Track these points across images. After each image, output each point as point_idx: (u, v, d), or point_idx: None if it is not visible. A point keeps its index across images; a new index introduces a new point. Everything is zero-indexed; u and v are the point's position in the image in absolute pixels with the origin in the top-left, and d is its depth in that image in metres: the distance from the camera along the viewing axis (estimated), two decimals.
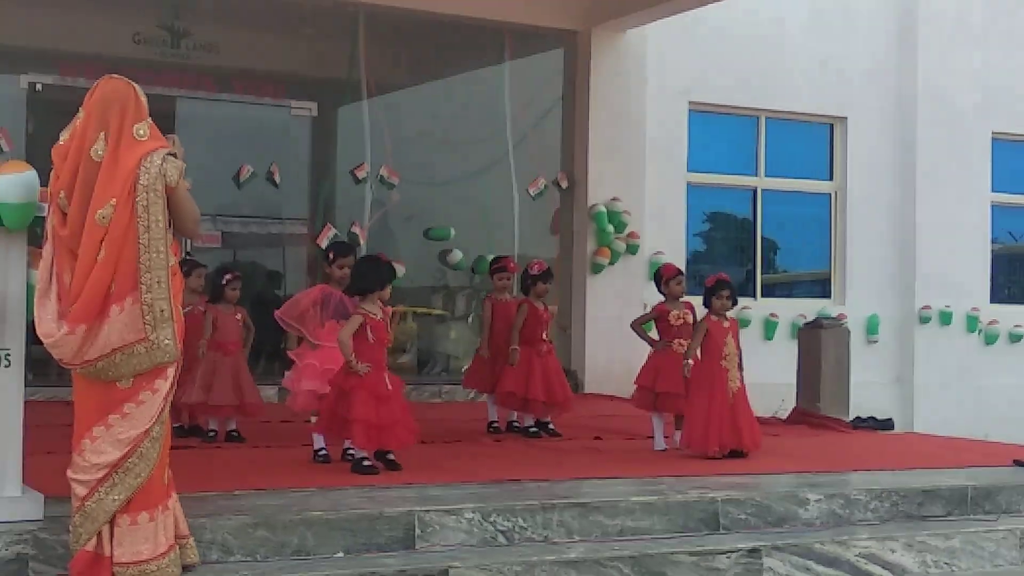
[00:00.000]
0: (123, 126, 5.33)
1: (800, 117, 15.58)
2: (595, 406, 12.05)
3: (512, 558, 6.16)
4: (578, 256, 14.01)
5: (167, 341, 5.31)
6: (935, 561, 7.14)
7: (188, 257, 9.82)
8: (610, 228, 13.85)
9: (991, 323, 16.31)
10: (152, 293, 5.28)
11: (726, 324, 8.80)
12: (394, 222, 14.62)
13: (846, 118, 15.71)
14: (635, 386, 9.42)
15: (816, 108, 15.54)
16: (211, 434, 8.99)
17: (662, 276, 9.49)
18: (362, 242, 13.25)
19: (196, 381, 8.81)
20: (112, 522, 5.29)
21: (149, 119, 5.42)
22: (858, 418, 11.72)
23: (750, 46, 14.83)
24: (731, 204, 15.76)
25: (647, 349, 9.45)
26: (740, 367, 8.79)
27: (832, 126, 15.84)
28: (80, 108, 5.41)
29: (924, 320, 15.80)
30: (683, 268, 10.49)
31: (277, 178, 13.61)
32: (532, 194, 14.20)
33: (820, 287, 15.99)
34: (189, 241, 10.66)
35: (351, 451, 7.63)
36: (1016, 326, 16.53)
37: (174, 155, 5.43)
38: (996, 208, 16.67)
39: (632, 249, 14.01)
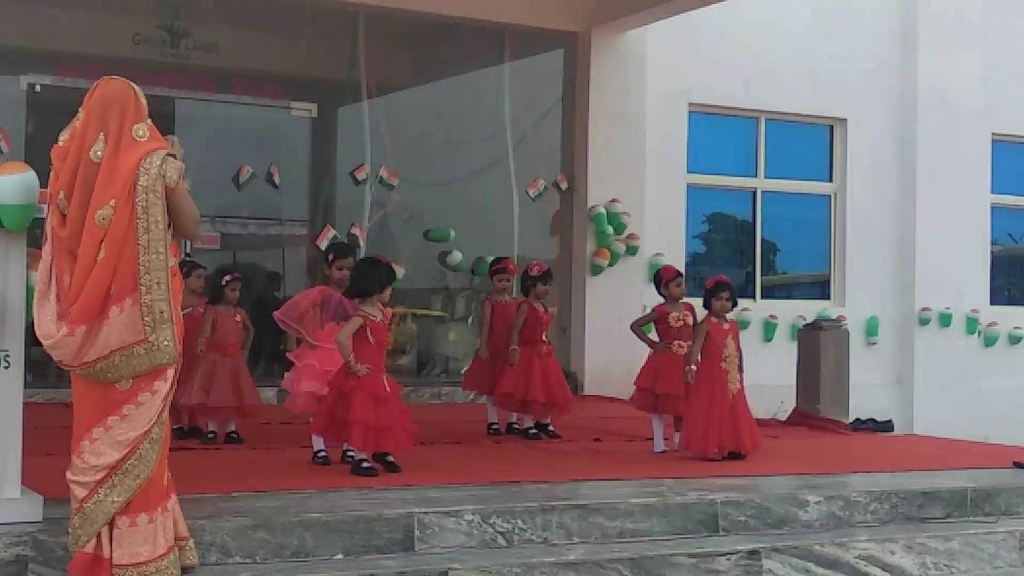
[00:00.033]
0: (123, 127, 5.33)
1: (800, 118, 15.58)
2: (595, 408, 12.05)
3: (512, 560, 6.16)
4: (578, 257, 14.01)
5: (167, 342, 5.31)
6: (935, 563, 7.14)
7: (187, 258, 9.81)
8: (610, 229, 13.85)
9: (991, 325, 16.31)
10: (152, 294, 5.27)
11: (726, 326, 8.80)
12: (394, 223, 14.63)
13: (846, 119, 15.70)
14: (635, 387, 9.42)
15: (816, 109, 15.54)
16: (210, 436, 8.99)
17: (662, 278, 9.48)
18: (362, 243, 13.25)
19: (195, 382, 8.80)
20: (111, 524, 5.28)
21: (149, 120, 5.42)
22: (858, 420, 11.71)
23: (750, 47, 14.83)
24: (731, 205, 15.76)
25: (647, 351, 9.44)
26: (740, 369, 8.79)
27: (832, 127, 15.84)
28: (80, 109, 5.41)
29: (924, 322, 15.80)
30: (683, 270, 10.49)
31: (277, 179, 13.60)
32: (532, 195, 14.19)
33: (820, 289, 15.99)
34: (188, 242, 10.66)
35: (350, 453, 7.63)
36: (1016, 328, 16.53)
37: (173, 156, 5.42)
38: (996, 209, 16.67)
39: (632, 250, 14.01)
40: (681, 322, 9.20)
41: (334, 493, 6.84)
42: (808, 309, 14.86)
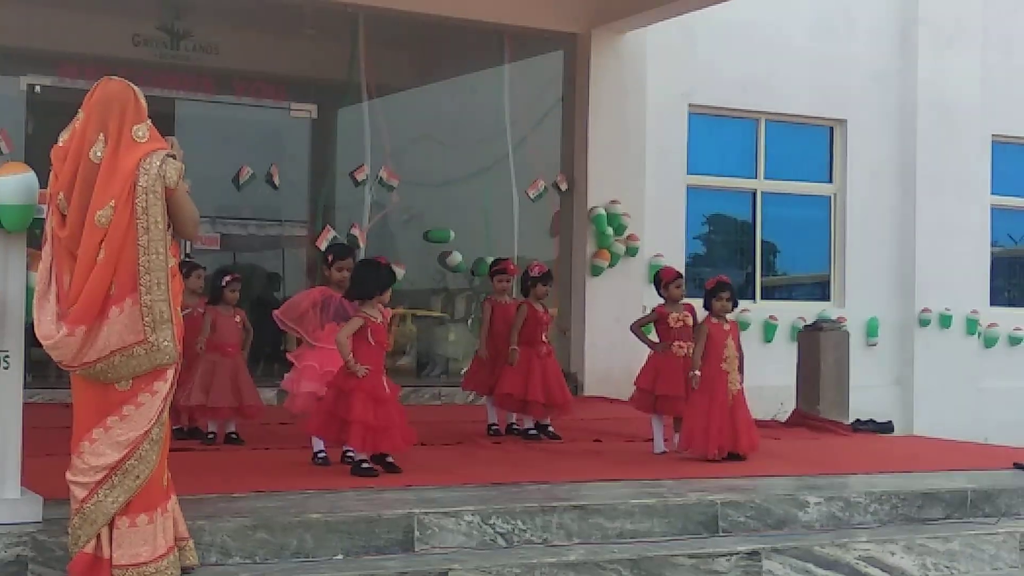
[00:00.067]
0: (122, 128, 5.33)
1: (800, 120, 15.58)
2: (595, 408, 12.05)
3: (511, 560, 6.16)
4: (578, 258, 14.01)
5: (166, 343, 5.30)
6: (935, 564, 7.14)
7: (187, 259, 9.81)
8: (610, 230, 13.85)
9: (991, 326, 16.31)
10: (152, 295, 5.27)
11: (726, 326, 8.80)
12: (394, 224, 14.64)
13: (846, 121, 15.71)
14: (635, 388, 9.42)
15: (816, 111, 15.54)
16: (210, 436, 8.99)
17: (661, 280, 9.48)
18: (362, 244, 13.25)
19: (195, 383, 8.80)
20: (111, 524, 5.28)
21: (148, 121, 5.42)
22: (858, 421, 11.71)
23: (750, 49, 14.83)
24: (731, 207, 15.76)
25: (647, 351, 9.45)
26: (741, 369, 8.79)
27: (832, 129, 15.84)
28: (79, 109, 5.41)
29: (924, 323, 15.80)
30: (683, 271, 10.49)
31: (276, 180, 13.60)
32: (532, 196, 14.20)
33: (820, 290, 15.99)
34: (188, 243, 10.66)
35: (350, 453, 7.62)
36: (1016, 329, 16.53)
37: (173, 157, 5.42)
38: (996, 211, 16.68)
39: (632, 251, 14.01)
40: (681, 323, 9.20)
41: (334, 494, 6.84)
42: (808, 310, 14.86)
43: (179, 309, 5.44)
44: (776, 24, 15.11)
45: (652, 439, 9.23)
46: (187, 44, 13.91)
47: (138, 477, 5.29)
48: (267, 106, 14.69)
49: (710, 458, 8.52)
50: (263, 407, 9.31)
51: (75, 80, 12.56)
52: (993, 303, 16.53)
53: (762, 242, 15.59)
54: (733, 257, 15.91)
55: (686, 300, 9.46)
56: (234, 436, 9.05)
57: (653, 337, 9.44)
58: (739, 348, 8.83)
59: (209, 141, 13.25)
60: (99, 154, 5.28)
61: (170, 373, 5.39)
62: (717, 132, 15.32)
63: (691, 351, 8.94)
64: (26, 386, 5.89)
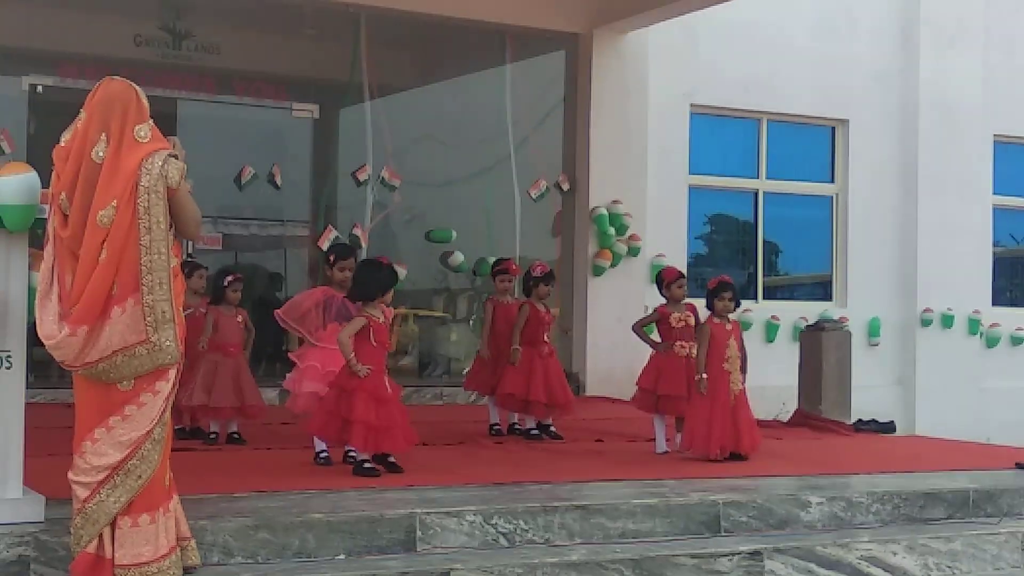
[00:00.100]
0: (124, 128, 5.33)
1: (802, 120, 15.58)
2: (596, 408, 12.05)
3: (513, 560, 6.16)
4: (579, 258, 14.01)
5: (168, 343, 5.31)
6: (937, 564, 7.14)
7: (189, 259, 9.82)
8: (611, 230, 13.85)
9: (992, 326, 16.31)
10: (154, 294, 5.27)
11: (728, 326, 8.80)
12: (395, 224, 14.64)
13: (848, 121, 15.71)
14: (636, 388, 9.42)
15: (818, 111, 15.54)
16: (212, 436, 8.99)
17: (663, 280, 9.48)
18: (363, 244, 13.25)
19: (197, 383, 8.81)
20: (113, 524, 5.29)
21: (150, 120, 5.42)
22: (860, 421, 11.71)
23: (752, 49, 14.83)
24: (733, 207, 15.76)
25: (648, 351, 9.45)
26: (744, 369, 8.78)
27: (834, 129, 15.84)
28: (81, 109, 5.41)
29: (926, 323, 15.80)
30: (684, 271, 10.49)
31: (278, 180, 13.61)
32: (533, 196, 14.20)
33: (822, 290, 15.99)
34: (190, 243, 10.66)
35: (352, 453, 7.62)
36: (1018, 329, 16.53)
37: (175, 156, 5.43)
38: (998, 211, 16.68)
39: (633, 251, 14.01)
40: (683, 323, 9.19)
41: (336, 494, 6.85)
42: (810, 310, 14.86)
43: (181, 309, 5.45)
44: (778, 24, 15.11)
45: (654, 439, 9.23)
46: (189, 44, 13.91)
47: (140, 477, 5.29)
48: (269, 106, 14.69)
49: (712, 458, 8.52)
50: (265, 407, 9.31)
51: (77, 80, 12.56)
52: (995, 303, 16.53)
53: (764, 242, 15.59)
54: (735, 257, 15.91)
55: (688, 300, 9.45)
56: (236, 436, 9.06)
57: (655, 337, 9.44)
58: (742, 348, 8.83)
59: (211, 141, 13.25)
60: (101, 154, 5.29)
61: (172, 373, 5.39)
62: (719, 132, 15.32)
63: (693, 351, 8.95)
64: (28, 386, 5.89)
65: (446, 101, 15.26)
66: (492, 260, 11.34)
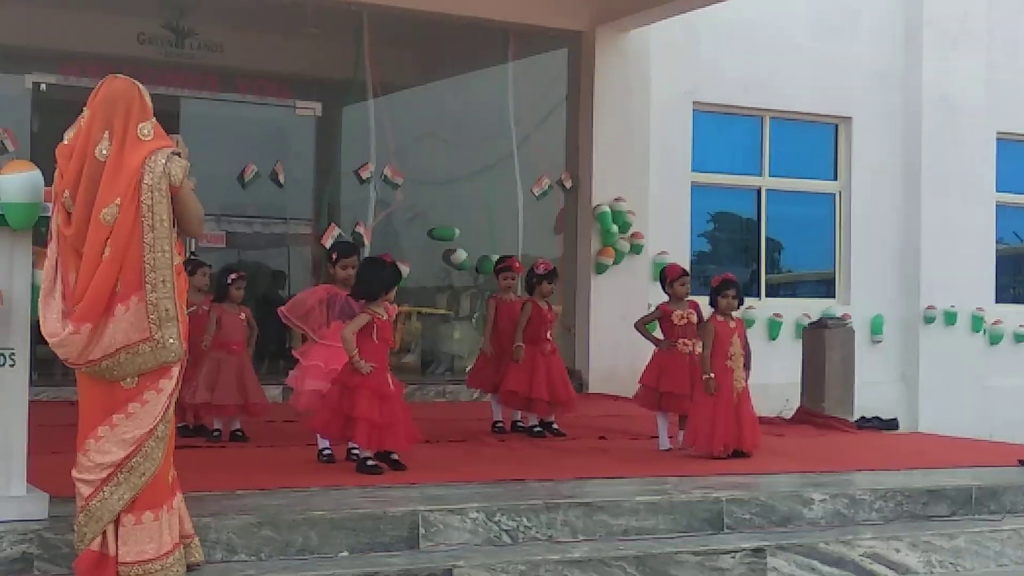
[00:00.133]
0: (127, 126, 5.34)
1: (805, 117, 15.57)
2: (599, 406, 12.05)
3: (516, 557, 6.16)
4: (582, 256, 14.01)
5: (172, 340, 5.31)
6: (940, 561, 7.14)
7: (192, 256, 9.83)
8: (614, 228, 13.84)
9: (996, 323, 16.29)
10: (157, 292, 5.28)
11: (732, 324, 8.80)
12: (398, 222, 14.65)
13: (851, 118, 15.69)
14: (639, 385, 9.42)
15: (821, 108, 15.52)
16: (216, 434, 9.00)
17: (667, 277, 9.48)
18: (366, 242, 13.25)
19: (200, 380, 8.81)
20: (117, 521, 5.30)
21: (153, 119, 5.43)
22: (863, 418, 11.71)
23: (755, 46, 14.82)
24: (735, 204, 15.75)
25: (651, 349, 9.45)
26: (748, 367, 8.78)
27: (837, 126, 15.82)
28: (84, 107, 5.42)
29: (929, 320, 15.79)
30: (687, 268, 10.48)
31: (281, 178, 13.61)
32: (536, 194, 14.19)
33: (824, 287, 15.98)
34: (193, 241, 10.67)
35: (355, 451, 7.63)
36: (1021, 326, 16.51)
37: (178, 154, 5.43)
38: (1001, 208, 16.65)
39: (636, 249, 14.00)
40: (685, 320, 9.20)
41: (339, 491, 6.85)
42: (813, 307, 14.84)
43: (184, 307, 5.45)
44: (780, 23, 15.10)
45: (657, 436, 9.24)
46: (192, 42, 13.92)
47: (144, 474, 5.30)
48: (272, 104, 14.70)
49: (715, 455, 8.52)
50: (268, 404, 9.31)
51: (80, 78, 12.55)
52: (998, 300, 16.51)
53: (767, 239, 15.58)
54: (738, 254, 15.91)
55: (691, 297, 9.45)
56: (239, 433, 9.06)
57: (658, 334, 9.44)
58: (746, 346, 8.83)
59: (214, 139, 13.25)
60: (104, 152, 5.30)
61: (176, 370, 5.40)
62: (721, 130, 15.32)
63: (695, 348, 8.95)
64: (32, 384, 5.91)
65: (449, 99, 15.27)
66: (495, 258, 11.35)
